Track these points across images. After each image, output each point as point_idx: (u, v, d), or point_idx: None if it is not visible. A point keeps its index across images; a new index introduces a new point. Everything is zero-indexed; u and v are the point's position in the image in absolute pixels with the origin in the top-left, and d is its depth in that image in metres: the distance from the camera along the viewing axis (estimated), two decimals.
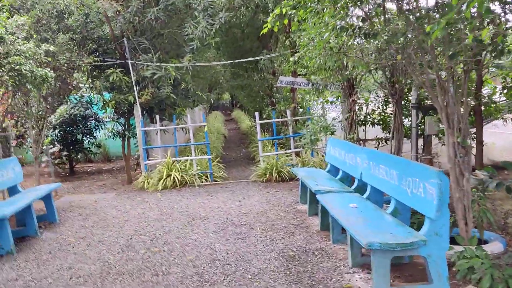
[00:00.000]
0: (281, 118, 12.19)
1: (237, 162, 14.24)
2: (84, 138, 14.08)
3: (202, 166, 11.23)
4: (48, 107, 10.40)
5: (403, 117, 7.53)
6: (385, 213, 4.85)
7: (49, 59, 8.98)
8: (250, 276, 4.79)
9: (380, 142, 10.07)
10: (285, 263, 5.10)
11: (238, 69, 16.21)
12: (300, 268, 4.93)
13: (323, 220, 6.23)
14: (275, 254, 5.43)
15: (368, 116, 10.04)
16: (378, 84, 7.53)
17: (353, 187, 6.23)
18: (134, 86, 10.93)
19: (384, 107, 10.09)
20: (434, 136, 9.16)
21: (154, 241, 6.29)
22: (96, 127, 14.25)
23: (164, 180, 10.28)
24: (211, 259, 5.38)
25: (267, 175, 10.36)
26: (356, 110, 9.44)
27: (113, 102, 11.06)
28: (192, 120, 17.51)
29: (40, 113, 10.23)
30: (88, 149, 14.70)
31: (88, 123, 14.23)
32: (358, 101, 9.57)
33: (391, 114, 10.01)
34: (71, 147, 13.79)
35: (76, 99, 13.76)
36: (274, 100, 14.29)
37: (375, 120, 10.15)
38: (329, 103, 10.86)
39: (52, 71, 8.82)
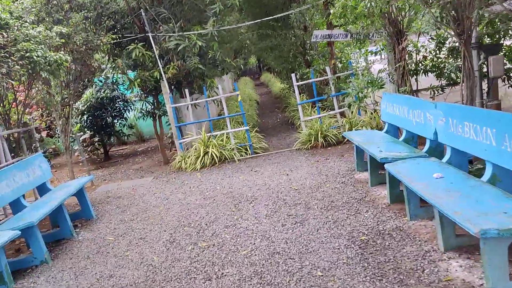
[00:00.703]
0: (320, 77, 11.17)
1: (275, 129, 13.36)
2: (115, 120, 13.49)
3: (240, 139, 10.42)
4: (72, 92, 9.73)
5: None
6: (481, 181, 3.89)
7: (63, 41, 8.20)
8: (320, 273, 3.98)
9: (436, 92, 8.93)
10: (360, 252, 4.26)
11: (265, 29, 15.10)
12: (379, 257, 4.08)
13: (392, 191, 5.32)
14: (344, 240, 4.60)
15: (420, 64, 8.86)
16: (439, 23, 6.37)
17: (425, 149, 5.26)
18: (158, 61, 10.11)
19: (438, 52, 8.88)
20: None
21: (201, 233, 5.57)
22: (125, 108, 13.62)
23: (202, 159, 9.55)
24: (270, 253, 4.60)
25: (312, 141, 9.46)
26: (406, 58, 8.33)
27: (139, 80, 10.28)
28: (223, 90, 16.63)
29: (64, 100, 9.59)
30: (120, 131, 14.15)
31: (117, 105, 13.62)
32: (407, 48, 8.42)
33: (445, 59, 8.86)
34: (102, 132, 13.25)
35: (101, 81, 13.12)
36: (308, 58, 13.19)
37: (427, 68, 8.97)
38: (373, 54, 9.71)
39: (68, 55, 8.08)
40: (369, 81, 8.36)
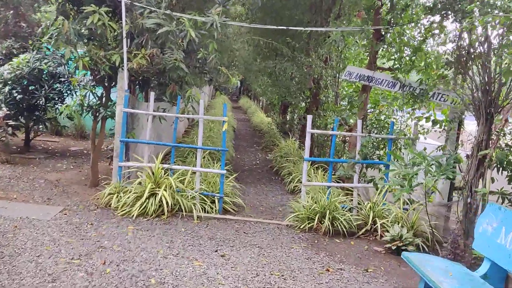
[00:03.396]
0: (329, 128, 8.15)
1: (254, 175, 10.16)
2: (50, 104, 9.96)
3: (208, 183, 7.16)
4: None
5: None
6: None
7: None
8: None
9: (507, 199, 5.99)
10: None
11: (271, 48, 12.14)
12: None
13: None
14: None
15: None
16: None
17: None
18: (124, 41, 6.83)
19: None
20: None
21: None
22: (69, 91, 10.13)
23: (144, 202, 6.20)
24: None
25: (314, 221, 6.30)
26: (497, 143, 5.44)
27: (88, 59, 6.93)
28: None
29: None
30: (54, 119, 10.60)
31: (58, 85, 10.12)
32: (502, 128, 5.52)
33: None
34: (29, 114, 9.70)
35: (49, 49, 9.66)
36: (321, 98, 10.21)
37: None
38: (430, 123, 6.70)
39: None
40: (432, 164, 5.35)
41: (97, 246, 4.87)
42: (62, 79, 9.88)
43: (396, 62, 7.36)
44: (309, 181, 7.47)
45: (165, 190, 6.27)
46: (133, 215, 6.04)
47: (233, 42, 15.10)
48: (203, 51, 7.37)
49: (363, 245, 5.96)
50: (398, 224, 6.09)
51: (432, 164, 5.39)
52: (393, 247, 5.69)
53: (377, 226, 6.18)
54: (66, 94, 10.11)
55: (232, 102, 38.50)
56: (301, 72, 10.43)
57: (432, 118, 6.59)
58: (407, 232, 5.80)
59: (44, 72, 9.66)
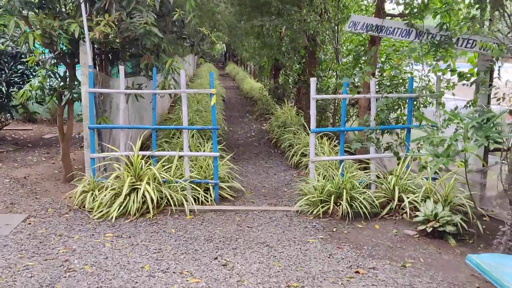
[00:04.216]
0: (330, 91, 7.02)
1: (250, 150, 9.10)
2: (14, 89, 8.75)
3: (199, 168, 6.10)
4: None
5: None
6: None
7: None
8: None
9: None
10: None
11: (255, 6, 10.84)
12: None
13: None
14: None
15: None
16: None
17: None
18: (83, 5, 5.62)
19: None
20: None
21: None
22: (34, 73, 8.92)
23: (124, 200, 5.13)
24: None
25: (329, 204, 5.29)
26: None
27: (39, 32, 5.70)
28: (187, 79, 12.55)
29: None
30: (22, 106, 9.45)
31: (22, 67, 8.93)
32: None
33: None
34: None
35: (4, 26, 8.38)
36: (319, 56, 9.03)
37: None
38: (456, 76, 5.57)
39: None
40: (472, 126, 4.30)
41: (65, 269, 3.82)
42: (25, 60, 8.65)
43: (407, 6, 6.19)
44: (317, 155, 6.41)
45: (148, 183, 5.20)
46: (112, 217, 4.99)
47: (213, 6, 13.78)
48: (179, 11, 6.15)
49: (390, 229, 4.98)
50: (429, 199, 5.11)
51: (472, 125, 4.34)
52: (428, 229, 4.72)
53: (404, 204, 5.18)
54: (32, 76, 8.90)
55: (218, 69, 37.04)
56: (293, 29, 9.21)
57: (458, 70, 5.50)
58: (442, 209, 4.81)
59: (3, 53, 8.45)
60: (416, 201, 5.19)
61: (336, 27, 8.27)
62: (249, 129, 11.39)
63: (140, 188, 5.15)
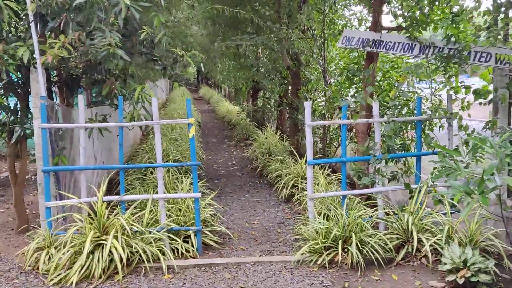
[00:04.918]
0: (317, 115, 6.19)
1: (233, 181, 8.21)
2: None
3: (178, 211, 5.18)
4: None
5: None
6: None
7: None
8: None
9: None
10: None
11: (231, 26, 10.17)
12: None
13: None
14: None
15: None
16: None
17: None
18: (33, 26, 4.73)
19: None
20: None
21: None
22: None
23: (87, 260, 4.16)
24: None
25: (336, 249, 4.44)
26: None
27: None
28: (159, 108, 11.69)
29: None
30: None
31: None
32: None
33: None
34: None
35: None
36: (304, 74, 8.29)
37: None
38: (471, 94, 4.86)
39: None
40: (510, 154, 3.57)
41: None
42: None
43: (407, 19, 5.51)
44: (316, 191, 5.58)
45: (116, 237, 4.25)
46: (71, 282, 4.02)
47: (185, 28, 13.07)
48: (147, 29, 5.30)
49: (411, 279, 4.16)
50: (451, 239, 4.33)
51: (509, 154, 3.60)
52: (460, 280, 3.91)
53: (424, 248, 4.37)
54: None
55: (192, 92, 36.17)
56: (273, 49, 8.47)
57: (473, 87, 4.80)
58: (472, 254, 4.02)
59: None
60: (436, 243, 4.40)
61: (322, 45, 7.56)
62: (229, 156, 10.52)
63: (106, 244, 4.20)
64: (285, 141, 9.29)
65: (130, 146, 9.85)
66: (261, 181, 8.07)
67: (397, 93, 4.70)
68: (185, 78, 8.46)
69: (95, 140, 6.42)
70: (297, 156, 7.51)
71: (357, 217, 4.66)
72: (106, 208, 4.54)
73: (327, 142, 7.87)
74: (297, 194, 6.45)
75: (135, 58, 5.97)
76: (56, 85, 5.90)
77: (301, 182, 6.60)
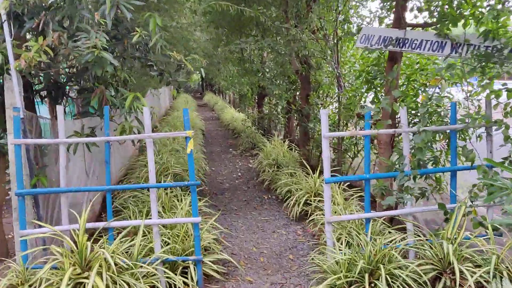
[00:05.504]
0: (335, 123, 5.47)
1: (238, 196, 7.52)
2: None
3: (176, 237, 4.51)
4: None
5: None
6: None
7: None
8: None
9: None
10: None
11: (235, 28, 9.60)
12: None
13: None
14: None
15: None
16: None
17: None
18: (6, 26, 4.12)
19: None
20: None
21: None
22: None
23: None
24: None
25: (363, 284, 3.74)
26: None
27: None
28: (153, 118, 11.03)
29: None
30: None
31: None
32: None
33: None
34: None
35: None
36: (315, 79, 7.63)
37: None
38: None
39: None
40: None
41: None
42: None
43: (432, 13, 4.84)
44: (335, 213, 4.88)
45: (100, 274, 3.57)
46: None
47: (188, 33, 12.52)
48: (140, 31, 4.66)
49: None
50: (497, 271, 3.63)
51: None
52: None
53: (467, 283, 3.66)
54: None
55: (196, 99, 35.56)
56: (279, 52, 7.83)
57: None
58: None
59: None
60: (482, 276, 3.69)
61: (335, 46, 6.89)
62: (234, 167, 9.83)
63: (87, 283, 3.52)
64: (294, 151, 8.61)
65: (129, 157, 9.19)
66: (269, 196, 7.38)
67: (429, 98, 3.99)
68: (184, 85, 7.77)
69: (86, 154, 5.77)
70: (308, 168, 6.81)
71: (379, 245, 3.95)
72: (91, 235, 3.88)
73: (342, 152, 7.17)
74: (310, 213, 5.76)
75: (127, 63, 5.33)
76: (38, 94, 5.26)
77: (314, 199, 5.90)
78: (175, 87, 6.15)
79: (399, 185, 4.21)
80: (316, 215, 5.44)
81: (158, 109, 18.07)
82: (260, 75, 9.61)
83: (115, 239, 4.10)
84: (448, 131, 4.60)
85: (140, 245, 4.13)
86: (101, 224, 4.15)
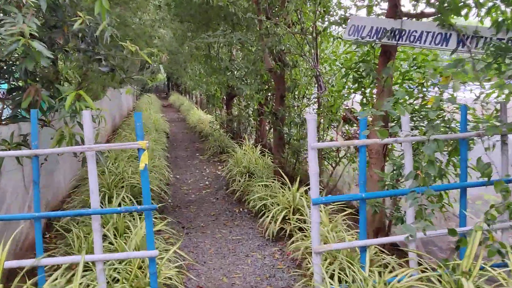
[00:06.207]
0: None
1: (206, 209, 6.64)
2: None
3: (128, 273, 3.63)
4: None
5: None
6: None
7: None
8: None
9: None
10: None
11: (202, 23, 8.77)
12: None
13: None
14: None
15: None
16: None
17: None
18: None
19: None
20: None
21: None
22: None
23: None
24: None
25: None
26: None
27: None
28: (100, 123, 10.21)
29: None
30: None
31: None
32: None
33: None
34: None
35: None
36: (291, 78, 6.87)
37: None
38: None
39: None
40: None
41: None
42: None
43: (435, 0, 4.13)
44: (324, 242, 4.07)
45: None
46: None
47: (151, 30, 11.65)
48: (84, 15, 3.77)
49: None
50: None
51: None
52: None
53: None
54: None
55: (161, 100, 34.36)
56: (255, 45, 7.05)
57: None
58: None
59: None
60: None
61: (314, 42, 6.13)
62: (201, 175, 8.94)
63: None
64: (268, 158, 7.82)
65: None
66: (241, 209, 6.55)
67: (439, 100, 3.27)
68: (145, 83, 6.76)
69: (25, 164, 4.80)
70: (285, 178, 6.04)
71: (386, 283, 3.20)
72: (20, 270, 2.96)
73: (321, 159, 6.42)
74: (290, 232, 4.98)
75: (70, 55, 4.41)
76: None
77: (293, 217, 5.11)
78: (132, 85, 5.23)
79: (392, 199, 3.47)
80: (298, 237, 4.65)
81: (119, 110, 16.96)
82: (229, 73, 8.77)
83: (49, 278, 3.20)
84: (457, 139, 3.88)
85: (81, 283, 3.25)
86: (28, 262, 3.22)
